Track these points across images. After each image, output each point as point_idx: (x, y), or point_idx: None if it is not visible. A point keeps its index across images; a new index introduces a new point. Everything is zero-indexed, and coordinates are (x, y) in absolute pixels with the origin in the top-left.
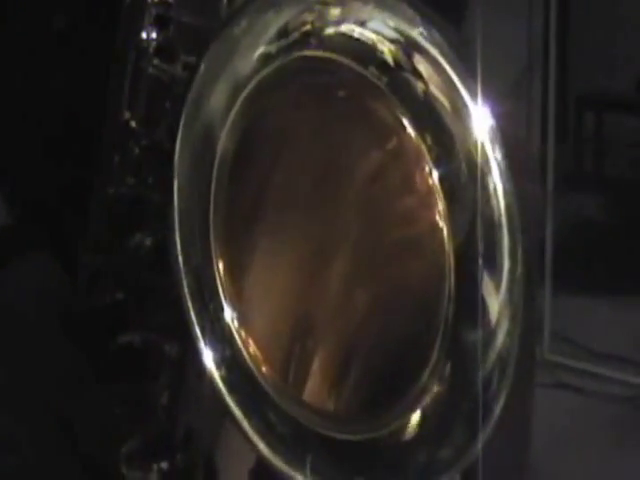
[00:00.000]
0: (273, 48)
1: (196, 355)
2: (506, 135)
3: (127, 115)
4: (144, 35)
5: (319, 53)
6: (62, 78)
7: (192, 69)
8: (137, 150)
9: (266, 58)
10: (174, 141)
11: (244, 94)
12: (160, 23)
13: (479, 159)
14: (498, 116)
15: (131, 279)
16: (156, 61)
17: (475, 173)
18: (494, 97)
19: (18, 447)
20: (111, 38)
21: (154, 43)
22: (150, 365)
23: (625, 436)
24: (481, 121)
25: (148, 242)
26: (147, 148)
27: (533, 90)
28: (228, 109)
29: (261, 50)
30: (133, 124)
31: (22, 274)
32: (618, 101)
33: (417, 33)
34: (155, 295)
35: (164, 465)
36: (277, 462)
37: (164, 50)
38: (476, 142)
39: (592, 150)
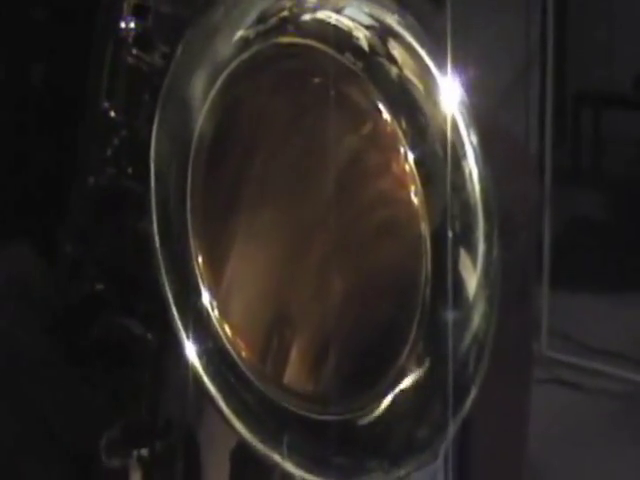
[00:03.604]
0: (251, 33)
1: (177, 343)
2: (480, 118)
3: (106, 105)
4: (123, 25)
5: (296, 39)
6: (41, 68)
7: (170, 55)
8: (116, 140)
9: (244, 42)
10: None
11: (222, 78)
12: (139, 13)
13: (449, 139)
14: (470, 93)
15: (112, 269)
16: (135, 51)
17: (450, 156)
18: (467, 77)
19: None
20: (90, 29)
21: (133, 33)
22: (131, 354)
23: (623, 432)
24: (454, 102)
25: (128, 232)
26: (126, 138)
27: (531, 87)
28: (206, 93)
29: (240, 34)
30: (112, 114)
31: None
32: (616, 98)
33: (392, 19)
34: (136, 285)
35: (144, 452)
36: (255, 443)
37: (143, 40)
38: (450, 125)
39: (590, 147)
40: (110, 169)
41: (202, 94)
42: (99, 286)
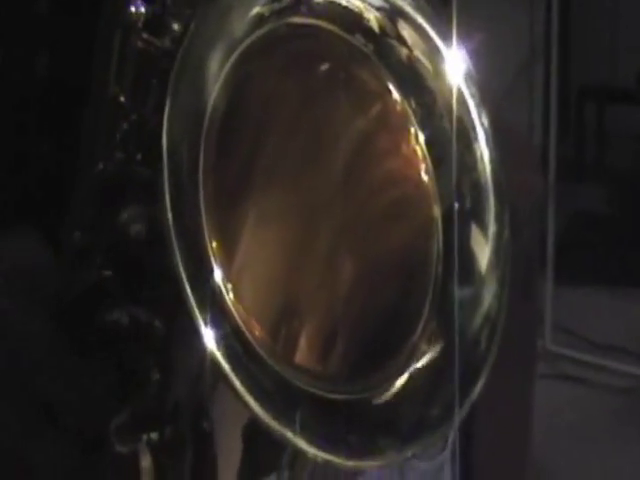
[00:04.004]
0: (266, 10)
1: (186, 327)
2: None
3: (115, 90)
4: (133, 9)
5: (308, 20)
6: (47, 52)
7: (183, 33)
8: (125, 125)
9: (259, 19)
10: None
11: (235, 55)
12: None
13: (454, 120)
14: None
15: (119, 256)
16: (145, 35)
17: (461, 137)
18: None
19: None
20: (96, 16)
21: (143, 17)
22: (139, 340)
23: (626, 427)
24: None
25: (137, 218)
26: (136, 123)
27: (535, 81)
28: (220, 70)
29: (256, 10)
30: (122, 98)
31: (4, 251)
32: (620, 93)
33: (402, 0)
34: (144, 271)
35: (154, 436)
36: (268, 420)
37: (153, 24)
38: (459, 104)
39: (594, 142)
40: (119, 154)
41: (216, 71)
42: (107, 273)
